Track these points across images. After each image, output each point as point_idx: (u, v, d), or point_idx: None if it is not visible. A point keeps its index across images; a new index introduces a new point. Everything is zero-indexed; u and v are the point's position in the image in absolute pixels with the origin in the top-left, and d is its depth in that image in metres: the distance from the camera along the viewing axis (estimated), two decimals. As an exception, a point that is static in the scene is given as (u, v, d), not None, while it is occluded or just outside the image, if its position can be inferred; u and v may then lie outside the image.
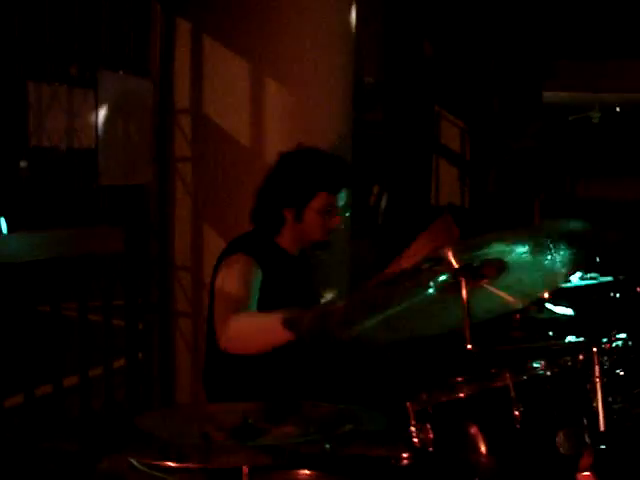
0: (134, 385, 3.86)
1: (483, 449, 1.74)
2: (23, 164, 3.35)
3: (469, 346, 1.65)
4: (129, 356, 3.86)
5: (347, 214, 2.73)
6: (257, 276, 2.54)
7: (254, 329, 2.35)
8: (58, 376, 3.42)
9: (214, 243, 3.73)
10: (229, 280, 2.52)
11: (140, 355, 3.90)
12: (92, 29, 3.52)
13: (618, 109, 8.74)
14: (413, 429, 1.72)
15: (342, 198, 2.67)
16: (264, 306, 2.51)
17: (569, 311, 2.51)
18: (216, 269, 2.67)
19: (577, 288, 2.76)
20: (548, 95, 7.52)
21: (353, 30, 3.90)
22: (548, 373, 1.78)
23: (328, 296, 3.31)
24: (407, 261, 2.30)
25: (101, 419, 3.52)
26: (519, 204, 5.96)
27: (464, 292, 1.64)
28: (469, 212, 7.00)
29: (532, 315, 2.59)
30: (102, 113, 3.44)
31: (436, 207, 6.90)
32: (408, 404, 1.73)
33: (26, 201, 3.29)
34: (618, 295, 2.63)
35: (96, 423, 3.46)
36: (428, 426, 1.73)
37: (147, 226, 3.89)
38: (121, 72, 3.63)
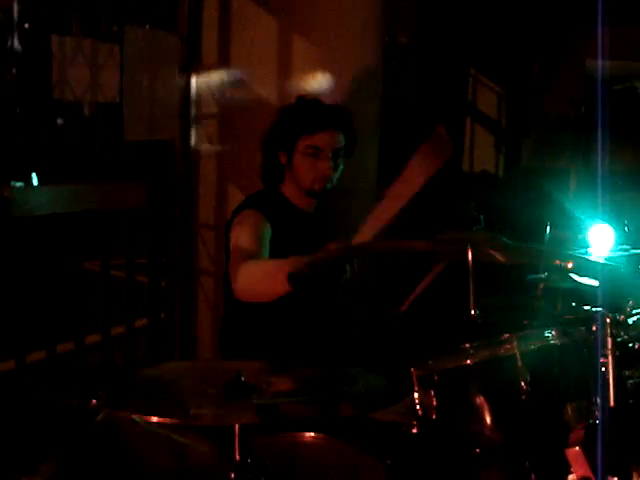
0: (156, 343, 3.86)
1: (487, 419, 1.68)
2: (55, 119, 3.33)
3: (472, 312, 1.59)
4: (151, 314, 3.86)
5: (340, 165, 2.69)
6: (267, 230, 2.57)
7: (260, 274, 2.37)
8: (80, 334, 3.42)
9: (239, 201, 3.67)
10: (242, 235, 2.55)
11: (162, 315, 3.90)
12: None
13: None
14: (416, 395, 1.67)
15: (327, 141, 2.65)
16: None
17: (594, 282, 2.42)
18: (229, 225, 2.66)
19: (606, 259, 2.67)
20: (591, 63, 7.31)
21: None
22: (559, 342, 1.71)
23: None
24: (402, 185, 2.25)
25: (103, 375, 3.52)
26: (553, 176, 5.84)
27: (470, 255, 1.58)
28: (502, 182, 6.88)
29: (555, 285, 2.52)
30: (127, 67, 3.40)
31: (468, 174, 6.78)
32: (412, 370, 1.68)
33: (54, 154, 3.28)
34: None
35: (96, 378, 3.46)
36: (432, 393, 1.68)
37: (172, 183, 3.86)
38: (148, 26, 3.58)
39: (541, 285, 2.57)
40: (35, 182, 3.29)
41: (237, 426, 1.40)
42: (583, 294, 2.38)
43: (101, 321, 3.52)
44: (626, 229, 2.72)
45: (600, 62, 6.82)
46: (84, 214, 3.38)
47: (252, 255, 2.45)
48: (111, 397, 1.52)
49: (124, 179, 3.57)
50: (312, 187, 2.68)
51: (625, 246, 2.88)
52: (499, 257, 1.70)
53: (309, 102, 2.77)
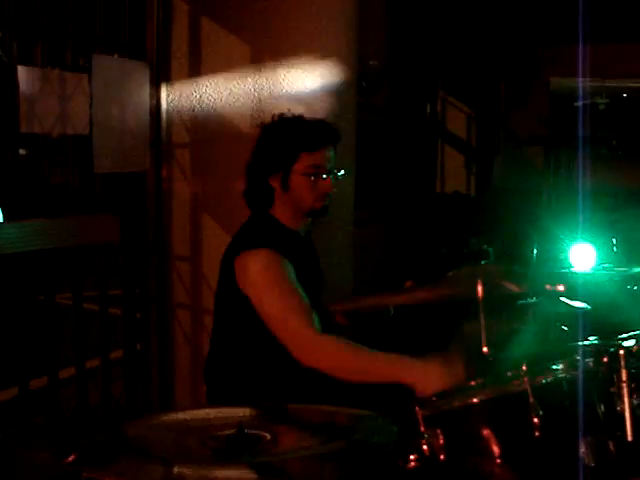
0: (132, 377, 3.77)
1: (498, 458, 1.63)
2: (20, 151, 3.24)
3: (484, 349, 1.54)
4: (126, 347, 3.76)
5: (338, 177, 2.62)
6: (290, 268, 2.45)
7: (353, 364, 2.28)
8: (54, 368, 3.32)
9: (213, 233, 3.64)
10: (277, 289, 2.41)
11: (138, 346, 3.81)
12: (86, 11, 3.40)
13: (625, 95, 8.59)
14: (422, 435, 1.61)
15: (327, 158, 2.58)
16: None
17: (585, 305, 2.39)
18: (233, 263, 2.51)
19: (592, 279, 2.65)
20: (555, 81, 7.40)
21: (356, 12, 3.78)
22: (569, 376, 1.67)
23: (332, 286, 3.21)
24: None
25: (96, 418, 3.42)
26: (525, 195, 5.86)
27: (480, 290, 1.53)
28: (475, 201, 6.90)
29: (546, 309, 2.48)
30: (96, 98, 3.32)
31: (441, 194, 6.78)
32: (417, 408, 1.62)
33: (20, 189, 3.18)
34: (635, 287, 2.51)
35: (90, 423, 3.36)
36: (438, 431, 1.62)
37: (144, 214, 3.78)
38: (116, 55, 3.50)
39: (531, 310, 2.54)
40: (0, 218, 3.20)
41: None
42: (575, 318, 2.35)
43: (75, 354, 3.43)
44: (614, 249, 2.70)
45: (563, 80, 6.90)
46: (55, 249, 3.29)
47: (307, 312, 2.35)
48: (94, 455, 1.41)
49: (96, 212, 3.49)
50: (314, 207, 2.57)
51: (607, 265, 2.86)
52: (514, 288, 1.66)
53: (300, 120, 2.64)
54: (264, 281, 2.43)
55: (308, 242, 2.71)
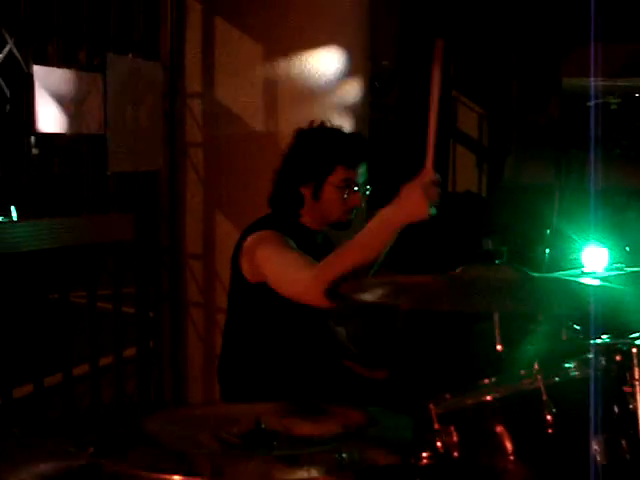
0: (145, 375, 3.79)
1: (512, 455, 1.64)
2: (33, 151, 3.27)
3: (498, 347, 1.55)
4: (140, 345, 3.79)
5: (367, 192, 2.63)
6: (293, 243, 2.44)
7: (356, 259, 2.26)
8: (68, 365, 3.35)
9: (226, 231, 3.66)
10: (277, 250, 2.41)
11: (151, 344, 3.83)
12: (101, 11, 3.42)
13: (638, 95, 8.55)
14: (436, 432, 1.62)
15: (361, 174, 2.59)
16: None
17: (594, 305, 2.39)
18: (239, 250, 2.54)
19: (604, 280, 2.65)
20: (567, 80, 7.38)
21: (369, 13, 3.79)
22: (581, 374, 1.68)
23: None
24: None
25: (110, 414, 3.45)
26: (537, 194, 5.85)
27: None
28: (486, 200, 6.90)
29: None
30: (111, 98, 3.34)
31: (453, 194, 6.78)
32: (431, 406, 1.63)
33: (35, 188, 3.21)
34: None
35: (105, 419, 3.39)
36: (452, 429, 1.63)
37: (158, 213, 3.81)
38: (130, 55, 3.53)
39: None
40: (14, 216, 3.22)
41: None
42: (587, 317, 2.35)
43: (89, 352, 3.45)
44: (627, 249, 2.70)
45: (576, 79, 6.89)
46: (69, 247, 3.31)
47: (305, 260, 2.33)
48: (112, 448, 1.43)
49: (109, 211, 3.51)
50: (341, 219, 2.59)
51: (620, 265, 2.86)
52: (525, 290, 1.67)
53: (339, 132, 2.64)
54: (264, 243, 2.45)
55: (325, 249, 2.71)
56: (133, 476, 1.40)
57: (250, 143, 3.63)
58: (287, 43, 3.57)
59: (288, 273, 2.37)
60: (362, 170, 2.59)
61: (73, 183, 3.40)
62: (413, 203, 2.14)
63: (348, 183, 2.56)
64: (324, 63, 3.59)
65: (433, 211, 2.16)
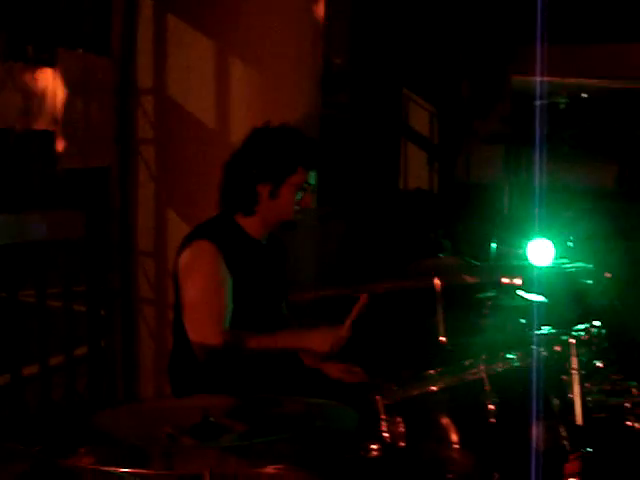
0: (96, 373, 3.76)
1: (456, 444, 1.68)
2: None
3: (443, 338, 1.59)
4: (91, 343, 3.76)
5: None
6: (224, 268, 2.52)
7: (240, 355, 2.45)
8: (17, 365, 3.31)
9: (178, 228, 3.64)
10: (201, 281, 2.51)
11: (102, 342, 3.80)
12: (51, 6, 3.39)
13: (585, 95, 8.72)
14: (383, 423, 1.65)
15: (313, 176, 2.67)
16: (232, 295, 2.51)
17: (541, 298, 2.46)
18: (180, 253, 2.60)
19: (548, 274, 2.72)
20: (516, 80, 7.50)
21: (321, 11, 3.81)
22: (523, 364, 1.72)
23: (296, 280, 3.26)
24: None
25: (61, 412, 3.42)
26: (487, 192, 5.94)
27: (437, 282, 1.58)
28: (437, 197, 6.98)
29: (503, 302, 2.55)
30: (61, 94, 3.31)
31: (404, 191, 6.85)
32: (378, 397, 1.66)
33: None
34: (589, 281, 2.59)
35: (55, 417, 3.36)
36: (399, 419, 1.66)
37: (109, 210, 3.78)
38: (81, 51, 3.50)
39: (489, 303, 2.60)
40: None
41: (207, 474, 1.34)
42: (531, 311, 2.42)
43: (39, 351, 3.41)
44: (569, 244, 2.78)
45: (525, 79, 7.00)
46: (18, 245, 3.27)
47: (218, 314, 2.46)
48: (64, 444, 1.44)
49: (60, 208, 3.48)
50: (292, 219, 2.65)
51: (564, 260, 2.93)
52: (470, 280, 1.71)
53: (301, 134, 2.70)
54: (192, 268, 2.54)
55: (271, 249, 2.75)
56: (86, 471, 1.41)
57: (202, 140, 3.63)
58: (239, 40, 3.57)
59: (198, 318, 2.49)
60: (314, 174, 2.67)
61: (23, 179, 3.36)
62: (321, 342, 2.40)
63: (304, 185, 2.63)
64: (276, 60, 3.60)
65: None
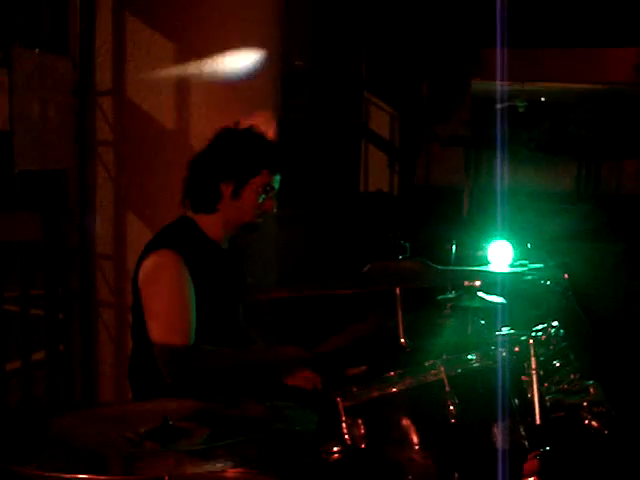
0: (54, 378, 3.71)
1: (417, 445, 1.68)
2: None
3: (402, 340, 1.60)
4: (49, 348, 3.70)
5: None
6: (187, 278, 2.50)
7: (206, 370, 2.45)
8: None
9: (137, 230, 3.62)
10: (166, 293, 2.49)
11: (61, 347, 3.75)
12: (6, 4, 3.33)
13: (543, 99, 8.85)
14: (344, 425, 1.65)
15: (277, 181, 2.67)
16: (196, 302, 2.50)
17: (500, 299, 2.48)
18: (140, 263, 2.57)
19: (507, 275, 2.74)
20: (476, 83, 7.58)
21: (282, 12, 3.81)
22: (483, 365, 1.74)
23: (256, 282, 3.26)
24: None
25: (18, 418, 3.36)
26: (446, 195, 6.00)
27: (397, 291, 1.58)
28: (398, 200, 7.02)
29: (463, 303, 2.57)
30: (17, 94, 3.26)
31: (365, 193, 6.88)
32: (338, 399, 1.66)
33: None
34: (548, 282, 2.61)
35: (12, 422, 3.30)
36: (360, 421, 1.66)
37: (67, 213, 3.73)
38: (37, 50, 3.45)
39: (449, 304, 2.61)
40: None
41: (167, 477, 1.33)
42: (491, 312, 2.44)
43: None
44: (528, 246, 2.80)
45: (485, 83, 7.07)
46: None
47: (183, 329, 2.44)
48: (18, 450, 1.41)
49: (17, 210, 3.42)
50: (252, 221, 2.65)
51: (523, 262, 2.96)
52: (428, 282, 1.72)
53: (266, 138, 2.71)
54: (156, 279, 2.51)
55: (231, 254, 2.74)
56: (43, 478, 1.38)
57: (161, 142, 3.60)
58: (199, 41, 3.55)
59: (163, 332, 2.46)
60: (278, 178, 2.67)
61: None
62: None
63: (267, 188, 2.63)
64: (236, 62, 3.59)
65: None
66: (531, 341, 1.64)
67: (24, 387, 3.53)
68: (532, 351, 1.63)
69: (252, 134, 2.68)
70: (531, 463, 1.53)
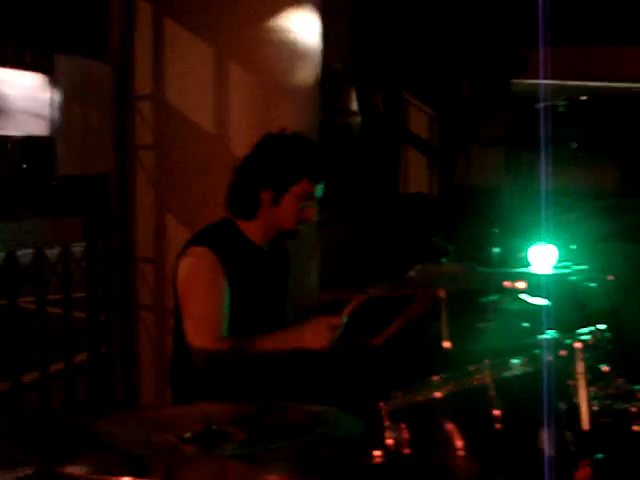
0: (96, 380, 3.74)
1: (461, 450, 1.66)
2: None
3: (446, 344, 1.57)
4: (91, 350, 3.74)
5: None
6: (221, 277, 2.50)
7: (237, 359, 2.44)
8: (16, 372, 3.29)
9: (177, 234, 3.63)
10: (198, 288, 2.50)
11: (102, 349, 3.79)
12: (48, 12, 3.38)
13: (584, 98, 8.73)
14: (387, 429, 1.63)
15: (320, 190, 2.65)
16: (232, 304, 2.50)
17: (544, 301, 2.44)
18: (178, 262, 2.59)
19: (551, 277, 2.70)
20: (516, 83, 7.51)
21: (321, 14, 3.80)
22: (528, 369, 1.70)
23: (299, 286, 3.25)
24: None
25: (61, 420, 3.40)
26: (487, 195, 5.94)
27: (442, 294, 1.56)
28: (437, 202, 6.98)
29: (506, 306, 2.53)
30: (59, 99, 3.30)
31: (404, 195, 6.85)
32: (381, 404, 1.64)
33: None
34: (593, 284, 2.57)
35: (55, 425, 3.34)
36: (403, 426, 1.64)
37: (108, 216, 3.77)
38: (78, 56, 3.48)
39: (492, 307, 2.58)
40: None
41: None
42: (535, 315, 2.40)
43: (39, 358, 3.39)
44: (572, 247, 2.76)
45: (525, 82, 7.00)
46: (18, 250, 3.26)
47: (215, 323, 2.45)
48: (62, 452, 1.42)
49: (59, 214, 3.46)
50: (291, 229, 2.64)
51: (567, 263, 2.91)
52: (473, 285, 1.70)
53: (311, 145, 2.70)
54: (189, 276, 2.53)
55: (273, 255, 2.73)
56: (86, 480, 1.39)
57: (200, 144, 3.61)
58: (237, 44, 3.56)
59: (195, 326, 2.48)
60: (321, 187, 2.65)
61: (22, 186, 3.35)
62: (316, 334, 2.39)
63: (307, 196, 2.61)
64: (275, 65, 3.59)
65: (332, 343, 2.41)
66: (578, 345, 1.60)
67: (67, 389, 3.56)
68: (579, 355, 1.60)
69: (295, 141, 2.66)
70: (584, 471, 1.49)
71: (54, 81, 3.28)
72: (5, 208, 3.24)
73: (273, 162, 2.60)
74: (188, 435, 1.42)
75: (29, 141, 3.30)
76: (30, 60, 3.30)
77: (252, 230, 2.64)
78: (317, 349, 2.39)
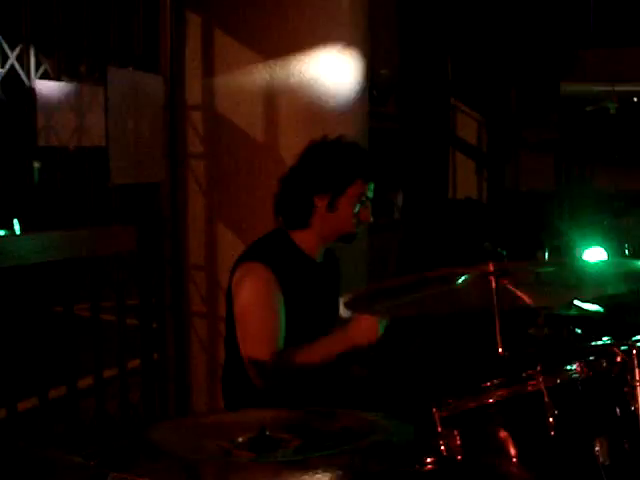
0: (149, 386, 3.80)
1: (515, 458, 1.65)
2: (35, 164, 3.29)
3: (500, 350, 1.56)
4: (144, 356, 3.80)
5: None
6: (277, 292, 2.50)
7: (293, 372, 2.46)
8: (72, 378, 3.36)
9: (228, 241, 3.67)
10: (252, 303, 2.50)
11: (155, 355, 3.84)
12: (101, 25, 3.45)
13: (636, 99, 8.57)
14: (440, 436, 1.63)
15: (371, 190, 2.65)
16: (286, 317, 2.51)
17: (598, 308, 2.41)
18: (232, 275, 2.59)
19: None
20: (565, 86, 7.41)
21: (367, 22, 3.82)
22: (583, 376, 1.69)
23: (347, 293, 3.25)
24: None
25: (115, 425, 3.45)
26: (538, 200, 5.87)
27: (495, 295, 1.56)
28: (487, 207, 6.92)
29: (560, 312, 2.50)
30: (112, 111, 3.37)
31: (453, 200, 6.81)
32: (434, 410, 1.64)
33: (38, 202, 3.22)
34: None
35: (110, 430, 3.39)
36: (455, 432, 1.64)
37: (160, 225, 3.82)
38: (131, 68, 3.55)
39: (543, 313, 2.56)
40: (17, 230, 3.24)
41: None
42: (588, 320, 2.37)
43: (94, 364, 3.46)
44: (627, 252, 2.72)
45: (574, 85, 6.90)
46: (72, 260, 3.33)
47: (271, 339, 2.45)
48: (118, 458, 1.44)
49: (112, 223, 3.53)
50: (352, 231, 2.63)
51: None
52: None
53: (359, 147, 2.70)
54: (243, 291, 2.52)
55: (326, 267, 2.72)
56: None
57: (251, 153, 3.65)
58: (286, 54, 3.59)
59: (250, 340, 2.50)
60: (372, 187, 2.65)
61: (75, 196, 3.42)
62: (364, 330, 2.40)
63: (362, 197, 2.60)
64: (323, 73, 3.61)
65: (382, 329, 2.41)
66: (635, 351, 1.58)
67: (121, 395, 3.62)
68: (636, 361, 1.58)
69: (342, 144, 2.66)
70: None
71: (107, 93, 3.35)
72: (62, 217, 3.31)
73: (326, 167, 2.58)
74: (241, 441, 1.43)
75: (84, 152, 3.37)
76: (84, 73, 3.38)
77: (305, 240, 2.62)
78: (367, 344, 2.38)
